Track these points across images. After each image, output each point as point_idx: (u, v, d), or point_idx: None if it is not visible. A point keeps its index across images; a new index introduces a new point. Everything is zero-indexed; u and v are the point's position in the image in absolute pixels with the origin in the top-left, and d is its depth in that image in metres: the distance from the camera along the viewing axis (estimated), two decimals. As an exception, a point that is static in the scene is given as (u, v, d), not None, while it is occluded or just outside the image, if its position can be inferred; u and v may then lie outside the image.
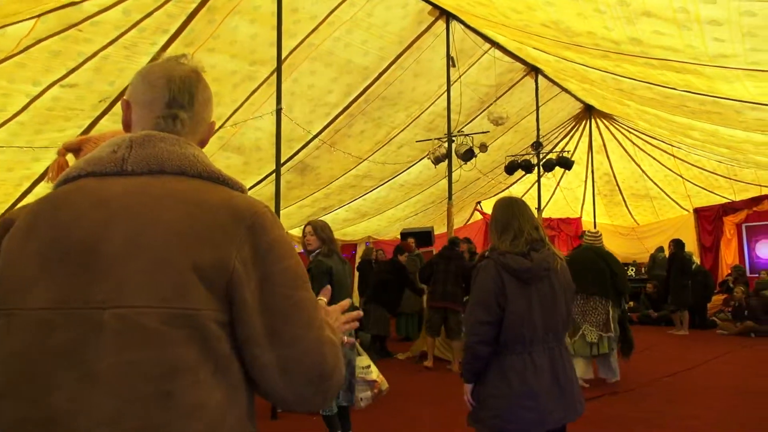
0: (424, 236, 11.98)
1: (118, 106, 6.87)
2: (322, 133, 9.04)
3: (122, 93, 6.79)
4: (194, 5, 6.15)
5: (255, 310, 1.04)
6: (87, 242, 1.01)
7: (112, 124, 7.01)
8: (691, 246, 13.38)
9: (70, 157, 1.66)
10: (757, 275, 12.42)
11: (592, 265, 6.26)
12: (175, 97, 1.19)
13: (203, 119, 1.24)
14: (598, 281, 6.21)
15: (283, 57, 7.25)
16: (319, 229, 4.33)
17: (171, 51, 6.49)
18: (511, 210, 2.69)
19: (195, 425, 0.98)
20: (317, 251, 4.29)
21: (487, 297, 2.50)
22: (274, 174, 6.23)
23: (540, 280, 2.57)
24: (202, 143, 1.25)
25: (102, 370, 0.95)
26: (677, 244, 10.67)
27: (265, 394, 1.10)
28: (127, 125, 1.23)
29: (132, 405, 0.95)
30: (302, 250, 4.60)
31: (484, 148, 9.40)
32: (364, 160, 10.14)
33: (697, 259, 12.63)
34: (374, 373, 4.46)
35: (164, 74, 1.20)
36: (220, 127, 8.03)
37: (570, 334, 6.21)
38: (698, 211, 14.64)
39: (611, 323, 6.18)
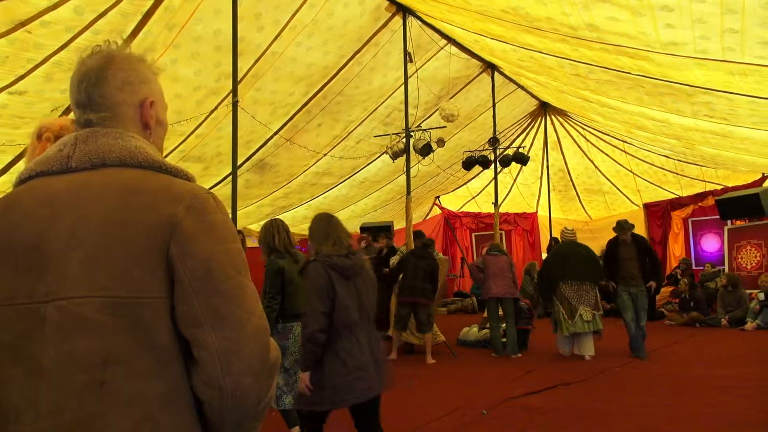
0: (383, 231, 12.00)
1: (72, 116, 6.62)
2: (281, 131, 8.98)
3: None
4: (150, 3, 5.92)
5: (194, 290, 1.03)
6: (32, 240, 1.04)
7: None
8: (642, 240, 13.83)
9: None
10: (702, 268, 12.93)
11: (578, 255, 7.53)
12: (77, 100, 1.17)
13: (123, 104, 1.16)
14: (586, 268, 7.44)
15: (247, 67, 7.19)
16: (261, 230, 4.38)
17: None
18: (329, 223, 3.36)
19: (132, 415, 0.99)
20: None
21: (320, 292, 3.06)
22: (232, 170, 6.16)
23: (357, 276, 3.22)
24: (145, 126, 1.19)
25: (46, 362, 0.98)
26: (628, 239, 10.99)
27: (203, 385, 1.04)
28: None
29: (70, 396, 0.97)
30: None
31: (441, 143, 9.47)
32: (324, 156, 10.09)
33: (647, 253, 13.07)
34: None
35: (74, 75, 1.18)
36: (182, 142, 7.89)
37: (568, 316, 7.28)
38: (648, 206, 15.15)
39: (599, 303, 7.47)
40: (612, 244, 7.75)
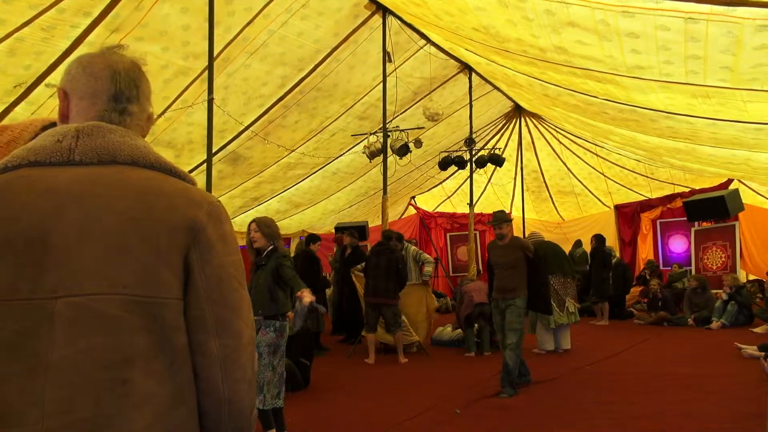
0: (358, 231, 11.96)
1: (36, 93, 6.45)
2: (256, 124, 8.87)
3: (40, 78, 6.34)
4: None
5: (206, 296, 1.07)
6: (34, 232, 1.00)
7: (29, 112, 6.57)
8: (612, 241, 14.10)
9: None
10: (669, 268, 13.22)
11: (559, 253, 8.11)
12: (122, 90, 1.17)
13: (143, 113, 1.23)
14: (568, 265, 8.17)
15: (217, 51, 7.07)
16: (264, 226, 4.38)
17: (94, 37, 6.15)
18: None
19: (145, 414, 0.99)
20: (271, 248, 4.30)
21: None
22: (205, 164, 6.08)
23: None
24: (143, 135, 1.24)
25: (54, 360, 0.95)
26: (599, 240, 11.21)
27: (201, 394, 1.08)
28: (64, 116, 1.18)
29: (84, 393, 0.95)
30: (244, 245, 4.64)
31: (419, 143, 9.50)
32: (296, 148, 10.01)
33: (617, 253, 13.34)
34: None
35: (107, 66, 1.17)
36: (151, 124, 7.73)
37: (558, 307, 7.72)
38: (618, 208, 15.44)
39: (576, 296, 8.22)
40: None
